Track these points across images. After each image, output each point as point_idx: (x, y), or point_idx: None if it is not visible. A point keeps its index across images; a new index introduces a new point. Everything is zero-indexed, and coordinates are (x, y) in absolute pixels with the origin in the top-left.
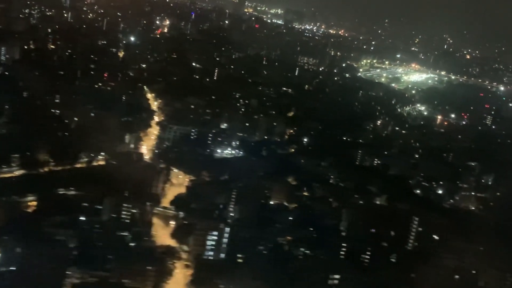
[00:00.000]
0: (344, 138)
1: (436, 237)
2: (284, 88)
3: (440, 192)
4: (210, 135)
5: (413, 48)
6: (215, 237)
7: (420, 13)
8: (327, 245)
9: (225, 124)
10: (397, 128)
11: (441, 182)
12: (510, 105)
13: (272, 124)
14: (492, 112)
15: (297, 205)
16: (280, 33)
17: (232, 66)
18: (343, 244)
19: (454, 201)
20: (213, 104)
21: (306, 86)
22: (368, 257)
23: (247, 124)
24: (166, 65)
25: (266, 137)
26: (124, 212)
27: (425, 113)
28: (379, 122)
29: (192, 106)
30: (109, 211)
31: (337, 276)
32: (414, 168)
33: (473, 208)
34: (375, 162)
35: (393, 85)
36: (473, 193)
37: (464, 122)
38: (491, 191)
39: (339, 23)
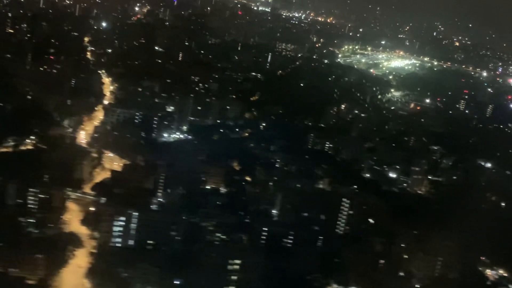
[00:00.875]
0: (305, 123)
1: (371, 221)
2: (254, 73)
3: (392, 175)
4: (155, 118)
5: (400, 36)
6: (124, 224)
7: (412, 2)
8: (251, 230)
9: (176, 108)
10: (362, 113)
11: (394, 166)
12: (489, 89)
13: (227, 108)
14: (466, 97)
15: (234, 189)
16: (263, 20)
17: (202, 52)
18: (267, 229)
19: (407, 185)
20: (168, 88)
21: (279, 71)
22: (290, 241)
23: (199, 108)
24: (131, 50)
25: (219, 121)
26: (31, 198)
27: (398, 98)
28: (343, 106)
29: (146, 90)
30: (15, 196)
31: (238, 261)
32: (369, 152)
33: (422, 191)
34: (328, 146)
35: (371, 70)
36: (427, 177)
37: (436, 107)
38: (447, 174)
39: (330, 11)
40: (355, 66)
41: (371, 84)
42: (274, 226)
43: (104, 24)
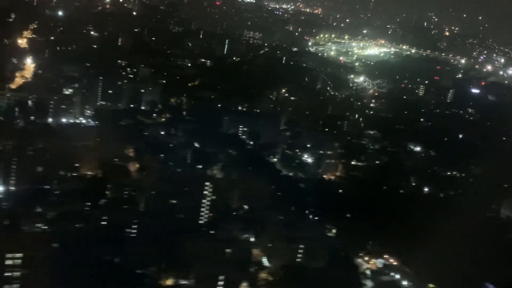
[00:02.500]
0: (238, 108)
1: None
2: (203, 60)
3: (305, 160)
4: (52, 102)
5: (389, 26)
6: None
7: None
8: (89, 219)
9: (79, 91)
10: (303, 98)
11: (312, 151)
12: (459, 75)
13: (148, 93)
14: (428, 82)
15: (108, 175)
16: (241, 10)
17: (154, 39)
18: (106, 218)
19: (318, 170)
20: (84, 72)
21: (237, 58)
22: (134, 232)
23: (111, 92)
24: (71, 37)
25: (133, 105)
26: None
27: (358, 84)
28: (284, 91)
29: (61, 74)
30: None
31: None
32: (292, 136)
33: (334, 176)
34: (242, 130)
35: (340, 58)
36: (345, 161)
37: (396, 92)
38: (371, 159)
39: (322, 3)
40: (325, 54)
41: (333, 70)
42: (123, 215)
43: (60, 13)
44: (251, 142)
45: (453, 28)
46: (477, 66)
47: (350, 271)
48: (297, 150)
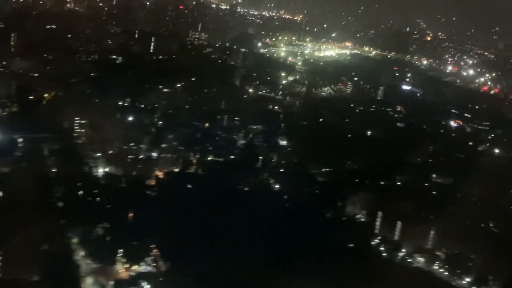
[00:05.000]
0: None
1: None
2: (114, 56)
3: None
4: None
5: (368, 31)
6: None
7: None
8: None
9: None
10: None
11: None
12: (409, 75)
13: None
14: (355, 79)
15: None
16: (204, 13)
17: (69, 36)
18: None
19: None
20: None
21: (161, 56)
22: None
23: None
24: None
25: None
26: None
27: (285, 82)
28: (179, 85)
29: None
30: None
31: None
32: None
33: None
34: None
35: (289, 59)
36: (199, 155)
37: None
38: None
39: (310, 11)
40: (274, 55)
41: (266, 69)
42: None
43: None
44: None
45: (439, 33)
46: (442, 68)
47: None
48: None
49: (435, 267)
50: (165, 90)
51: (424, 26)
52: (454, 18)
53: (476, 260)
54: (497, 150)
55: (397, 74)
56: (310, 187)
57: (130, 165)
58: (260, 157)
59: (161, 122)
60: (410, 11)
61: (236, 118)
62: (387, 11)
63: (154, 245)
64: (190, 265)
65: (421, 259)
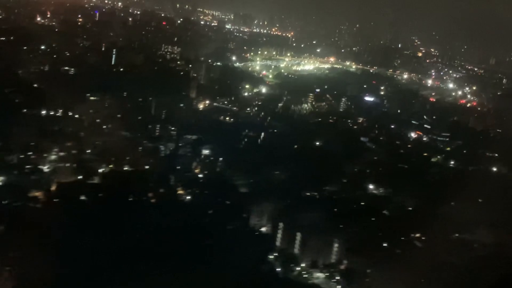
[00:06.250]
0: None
1: None
2: (66, 68)
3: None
4: None
5: (355, 48)
6: None
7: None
8: None
9: None
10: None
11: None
12: (382, 87)
13: None
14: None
15: None
16: (186, 29)
17: (24, 48)
18: None
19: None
20: None
21: (121, 68)
22: None
23: None
24: None
25: None
26: None
27: (247, 95)
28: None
29: None
30: None
31: None
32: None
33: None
34: None
35: (263, 72)
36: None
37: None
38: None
39: (303, 28)
40: (249, 69)
41: (232, 81)
42: None
43: None
44: None
45: (431, 49)
46: (423, 82)
47: None
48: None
49: (333, 283)
50: (96, 99)
51: (419, 43)
52: (447, 35)
53: (372, 276)
54: (452, 162)
55: (365, 86)
56: (223, 198)
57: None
58: (178, 167)
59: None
60: (405, 28)
61: (172, 128)
62: (381, 29)
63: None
64: None
65: (320, 275)
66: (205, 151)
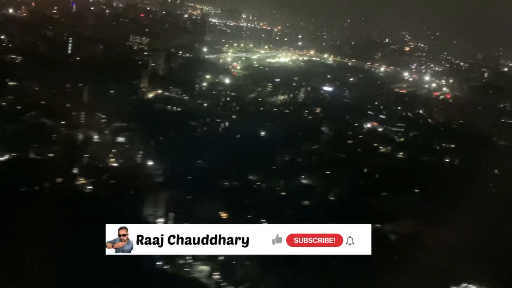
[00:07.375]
0: None
1: None
2: (13, 56)
3: None
4: None
5: (338, 40)
6: None
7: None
8: None
9: None
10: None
11: None
12: (351, 79)
13: None
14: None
15: None
16: (163, 21)
17: None
18: None
19: None
20: None
21: (78, 58)
22: None
23: None
24: None
25: None
26: None
27: (206, 85)
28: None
29: None
30: None
31: None
32: None
33: None
34: None
35: (234, 63)
36: None
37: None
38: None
39: (292, 23)
40: (220, 61)
41: (193, 72)
42: None
43: None
44: None
45: (420, 44)
46: (401, 75)
47: None
48: None
49: (215, 276)
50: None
51: (409, 38)
52: (438, 30)
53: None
54: (401, 153)
55: (328, 77)
56: (127, 188)
57: None
58: (89, 156)
59: None
60: (396, 24)
61: (103, 116)
62: (371, 24)
63: None
64: None
65: (205, 268)
66: (128, 140)
